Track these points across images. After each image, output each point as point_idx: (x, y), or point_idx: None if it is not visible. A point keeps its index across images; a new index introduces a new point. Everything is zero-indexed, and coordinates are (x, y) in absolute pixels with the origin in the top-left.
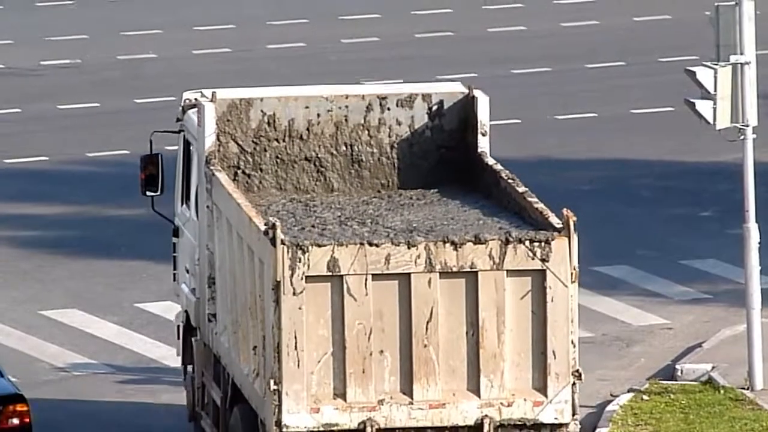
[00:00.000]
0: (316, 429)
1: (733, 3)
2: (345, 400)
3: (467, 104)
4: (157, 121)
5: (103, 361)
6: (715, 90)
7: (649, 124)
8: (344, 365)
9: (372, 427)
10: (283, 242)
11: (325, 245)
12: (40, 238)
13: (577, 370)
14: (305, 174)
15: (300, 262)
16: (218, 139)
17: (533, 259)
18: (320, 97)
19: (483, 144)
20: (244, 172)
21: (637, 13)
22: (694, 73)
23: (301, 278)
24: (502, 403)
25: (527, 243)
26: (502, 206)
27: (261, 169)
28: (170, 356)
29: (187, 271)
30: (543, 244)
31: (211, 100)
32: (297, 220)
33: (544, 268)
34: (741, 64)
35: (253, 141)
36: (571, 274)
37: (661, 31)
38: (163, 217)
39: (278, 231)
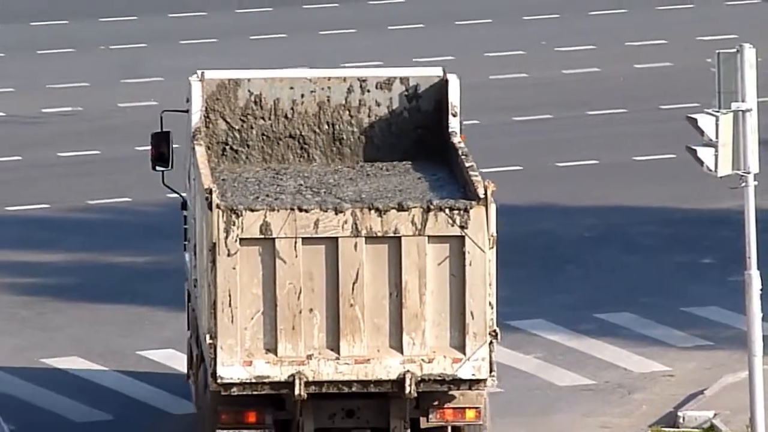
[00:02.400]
0: (248, 381)
1: (735, 50)
2: (276, 354)
3: (442, 87)
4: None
5: (104, 410)
6: (717, 137)
7: (650, 171)
8: (275, 322)
9: (300, 380)
10: (218, 206)
11: (257, 210)
12: (41, 285)
13: (494, 330)
14: (290, 150)
15: (234, 225)
16: (208, 116)
17: (453, 225)
18: (304, 79)
19: (453, 124)
20: (231, 148)
21: (639, 60)
22: (695, 120)
23: (235, 240)
24: (423, 360)
25: (447, 211)
26: (454, 179)
27: (248, 145)
28: (173, 404)
29: (188, 241)
30: (462, 212)
31: (200, 80)
32: (259, 188)
33: (463, 234)
34: (742, 111)
35: (240, 119)
36: (489, 240)
37: (663, 78)
38: (172, 190)
39: (214, 196)
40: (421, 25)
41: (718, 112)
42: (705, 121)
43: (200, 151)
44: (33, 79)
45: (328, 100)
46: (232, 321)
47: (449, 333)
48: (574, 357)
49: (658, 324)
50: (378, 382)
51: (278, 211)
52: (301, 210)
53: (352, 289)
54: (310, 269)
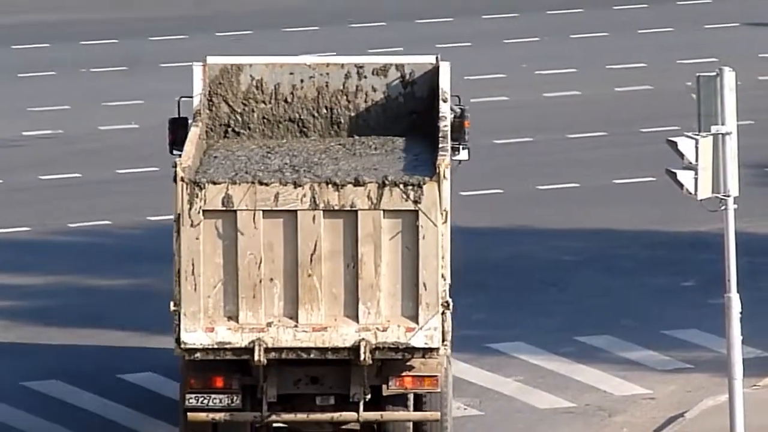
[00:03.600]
0: (210, 346)
1: (714, 73)
2: (237, 321)
3: (435, 74)
4: (138, 192)
5: None
6: (697, 160)
7: (631, 194)
8: (237, 291)
9: (260, 346)
10: (182, 179)
11: (220, 183)
12: (21, 308)
13: (447, 301)
14: (289, 133)
15: (197, 197)
16: (211, 99)
17: (407, 200)
18: (304, 65)
19: (443, 109)
20: (234, 130)
21: (619, 83)
22: (675, 143)
23: (199, 212)
24: (377, 328)
25: (401, 186)
26: (431, 160)
27: (249, 128)
28: (153, 428)
29: None
30: (415, 187)
31: (202, 65)
32: (245, 165)
33: (416, 209)
34: (722, 134)
35: (242, 102)
36: (442, 214)
37: (643, 101)
38: None
39: (178, 169)
40: (400, 48)
41: (698, 135)
42: (685, 144)
43: (194, 131)
44: (14, 103)
45: (327, 86)
46: (195, 289)
47: (403, 303)
48: (555, 380)
49: (639, 347)
50: (335, 349)
51: (240, 184)
52: (261, 183)
53: (311, 260)
54: (271, 240)
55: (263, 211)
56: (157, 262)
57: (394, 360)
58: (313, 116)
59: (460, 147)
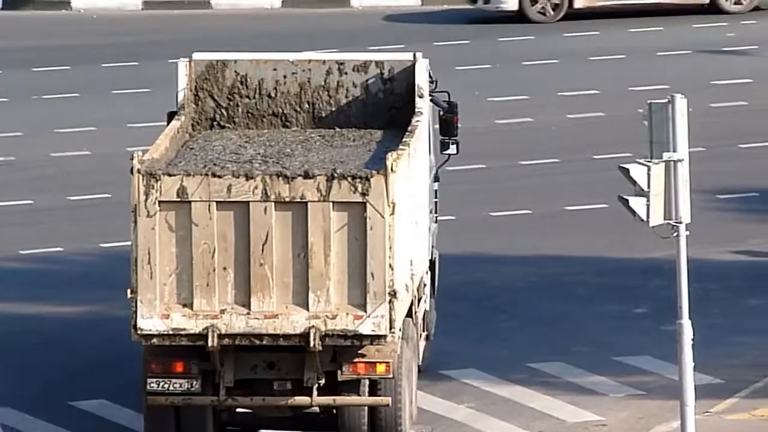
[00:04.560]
0: (166, 332)
1: (666, 100)
2: (192, 308)
3: (413, 71)
4: (90, 219)
5: None
6: (649, 187)
7: (583, 221)
8: (192, 279)
9: (214, 332)
10: (138, 171)
11: (175, 175)
12: None
13: (393, 290)
14: (273, 127)
15: (153, 188)
16: (197, 94)
17: (355, 193)
18: (287, 61)
19: (420, 104)
20: (219, 124)
21: (571, 110)
22: (627, 170)
23: (154, 203)
24: (327, 316)
25: (349, 179)
26: None
27: (234, 122)
28: None
29: None
30: (363, 180)
31: (187, 61)
32: (217, 155)
33: (364, 201)
34: (674, 161)
35: (227, 97)
36: (389, 206)
37: (595, 128)
38: None
39: (135, 161)
40: None
41: (650, 162)
42: (637, 171)
43: (173, 124)
44: None
45: (309, 81)
46: (151, 277)
47: (352, 292)
48: (507, 406)
49: (591, 373)
50: (286, 336)
51: (194, 176)
52: (215, 176)
53: (262, 249)
54: (224, 231)
55: (217, 202)
56: (109, 289)
57: (348, 346)
58: (296, 111)
59: (450, 141)
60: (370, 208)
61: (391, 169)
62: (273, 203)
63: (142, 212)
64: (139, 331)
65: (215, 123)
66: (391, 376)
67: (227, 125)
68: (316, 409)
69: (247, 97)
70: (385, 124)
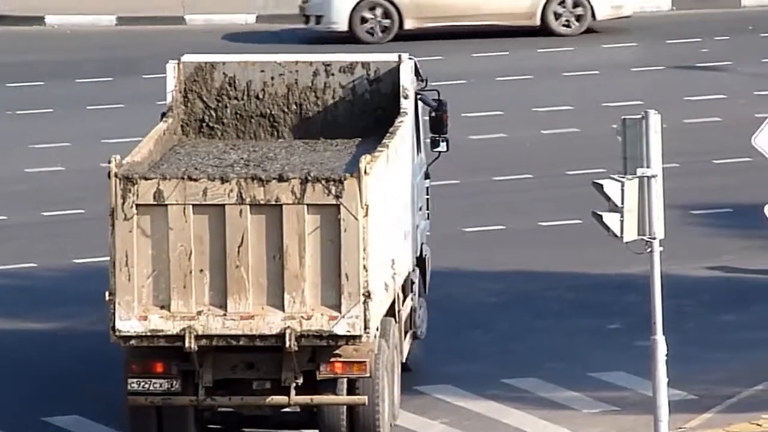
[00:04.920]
0: (144, 334)
1: (640, 116)
2: (169, 310)
3: (398, 72)
4: (64, 235)
5: None
6: (623, 203)
7: (557, 237)
8: (169, 281)
9: (191, 333)
10: (116, 175)
11: (151, 178)
12: None
13: (368, 291)
14: (261, 128)
15: (130, 192)
16: (186, 96)
17: (329, 195)
18: (274, 63)
19: (404, 105)
20: (208, 125)
21: (545, 126)
22: (601, 186)
23: (131, 206)
24: (302, 317)
25: (323, 182)
26: None
27: (223, 123)
28: None
29: None
30: (336, 183)
31: (176, 64)
32: (201, 160)
33: (338, 203)
34: (648, 176)
35: (216, 99)
36: (363, 208)
37: (569, 143)
38: None
39: (112, 165)
40: None
41: (623, 177)
42: (611, 187)
43: (159, 126)
44: None
45: (296, 83)
46: (129, 279)
47: (326, 293)
48: (481, 422)
49: (565, 389)
50: (262, 337)
51: (170, 180)
52: (190, 179)
53: (238, 252)
54: (200, 233)
55: (193, 205)
56: (83, 305)
57: (326, 346)
58: (284, 112)
59: (440, 139)
60: (343, 211)
61: (365, 172)
62: (248, 206)
63: (119, 215)
64: (117, 333)
65: (204, 124)
66: (368, 375)
67: (216, 126)
68: (298, 408)
69: (236, 98)
70: (372, 124)
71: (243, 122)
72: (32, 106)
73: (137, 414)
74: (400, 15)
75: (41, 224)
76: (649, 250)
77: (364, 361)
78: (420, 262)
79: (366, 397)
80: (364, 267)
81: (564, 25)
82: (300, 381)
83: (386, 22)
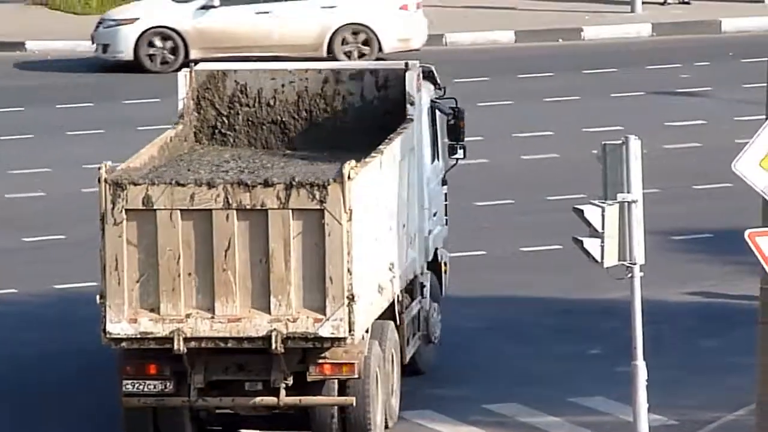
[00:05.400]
0: (134, 336)
1: (620, 142)
2: (158, 313)
3: (404, 79)
4: (45, 260)
5: None
6: (603, 228)
7: (537, 262)
8: (158, 284)
9: (179, 335)
10: (105, 181)
11: (140, 184)
12: None
13: (351, 294)
14: (272, 134)
15: (120, 197)
16: (199, 103)
17: (313, 200)
18: (285, 71)
19: (410, 111)
20: (220, 132)
21: (526, 151)
22: (581, 211)
23: (121, 211)
24: (288, 319)
25: (307, 187)
26: None
27: (235, 129)
28: None
29: None
30: (320, 188)
31: (188, 72)
32: (199, 166)
33: (322, 208)
34: (628, 202)
35: (228, 106)
36: (346, 213)
37: (549, 169)
38: None
39: (102, 171)
40: None
41: (604, 203)
42: (591, 213)
43: (166, 133)
44: None
45: (306, 90)
46: (119, 283)
47: (312, 296)
48: None
49: (546, 414)
50: (249, 339)
51: (158, 185)
52: (178, 184)
53: (225, 256)
54: (188, 238)
55: (181, 210)
56: (64, 330)
57: (317, 348)
58: (294, 118)
59: (457, 146)
60: (327, 215)
61: (348, 177)
62: (235, 211)
63: (109, 220)
64: (108, 335)
65: (216, 131)
66: (357, 376)
67: (228, 133)
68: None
69: (247, 105)
70: (380, 130)
71: (254, 129)
72: (12, 132)
73: (132, 415)
74: (186, 44)
75: (22, 250)
76: (629, 275)
77: (353, 363)
78: (435, 266)
79: (354, 398)
80: (348, 270)
81: (349, 58)
82: (290, 382)
83: (172, 51)
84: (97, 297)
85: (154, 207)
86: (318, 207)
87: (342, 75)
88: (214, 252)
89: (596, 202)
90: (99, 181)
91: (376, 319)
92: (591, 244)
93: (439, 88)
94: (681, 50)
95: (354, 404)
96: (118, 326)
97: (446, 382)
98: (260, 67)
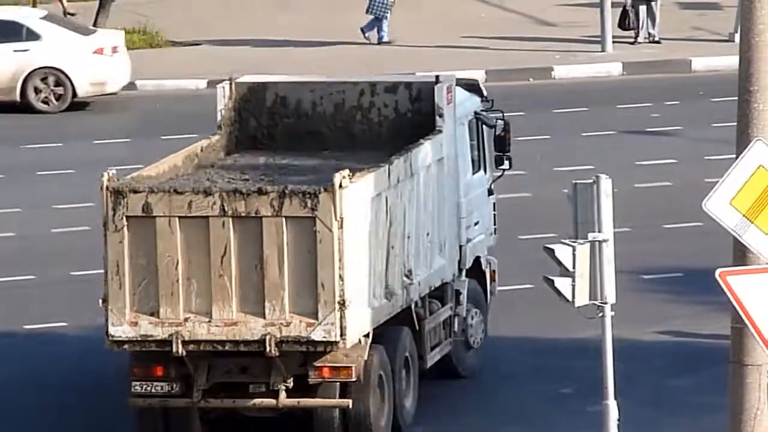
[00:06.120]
0: (135, 339)
1: (591, 181)
2: (158, 317)
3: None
4: (15, 300)
5: None
6: (574, 267)
7: (509, 302)
8: (158, 289)
9: (178, 338)
10: (107, 188)
11: (140, 191)
12: None
13: (343, 300)
14: (310, 145)
15: (120, 204)
16: (240, 114)
17: (305, 208)
18: (323, 83)
19: (439, 123)
20: (261, 142)
21: (498, 191)
22: (552, 250)
23: (122, 218)
24: (282, 324)
25: (300, 195)
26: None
27: (274, 140)
28: None
29: None
30: (312, 196)
31: (229, 84)
32: (228, 173)
33: (314, 215)
34: (599, 241)
35: (268, 117)
36: (337, 221)
37: (521, 208)
38: None
39: (104, 178)
40: None
41: (575, 242)
42: (562, 252)
43: (197, 143)
44: None
45: (343, 102)
46: (120, 287)
47: (304, 301)
48: None
49: None
50: (245, 342)
51: (157, 193)
52: (176, 192)
53: (221, 261)
54: (186, 244)
55: (179, 217)
56: (34, 370)
57: (316, 352)
58: (331, 130)
59: (504, 157)
60: (318, 223)
61: (340, 186)
62: (230, 218)
63: (110, 227)
64: (110, 338)
65: (257, 141)
66: (354, 379)
67: (268, 143)
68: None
69: (287, 117)
70: (412, 140)
71: (293, 140)
72: None
73: (144, 416)
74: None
75: None
76: (600, 314)
77: (351, 366)
78: (478, 274)
79: (350, 401)
80: (340, 276)
81: (43, 102)
82: (290, 384)
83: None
84: (100, 301)
85: (154, 214)
86: (310, 215)
87: (377, 88)
88: (211, 258)
89: (567, 241)
90: (101, 188)
91: (386, 325)
92: (562, 284)
93: (486, 100)
94: (651, 89)
95: (351, 406)
96: (120, 329)
97: (416, 422)
98: (299, 79)
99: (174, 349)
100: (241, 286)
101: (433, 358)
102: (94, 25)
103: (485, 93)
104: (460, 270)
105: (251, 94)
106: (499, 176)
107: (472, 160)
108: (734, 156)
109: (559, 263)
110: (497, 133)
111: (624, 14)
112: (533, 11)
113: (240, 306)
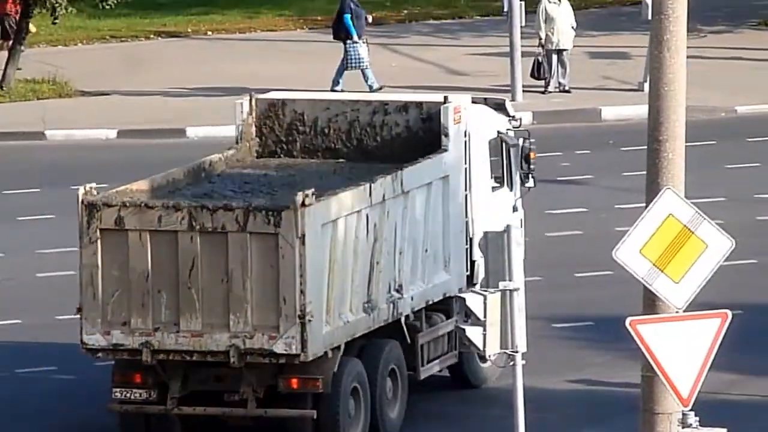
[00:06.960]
0: (107, 347)
1: (502, 230)
2: (129, 326)
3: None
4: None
5: None
6: (485, 316)
7: None
8: (129, 299)
9: (148, 348)
10: (82, 202)
11: (113, 205)
12: None
13: (303, 314)
14: (325, 160)
15: (94, 218)
16: (260, 129)
17: (268, 225)
18: (339, 101)
19: (444, 142)
20: (279, 157)
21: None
22: (463, 299)
23: (96, 230)
24: (245, 336)
25: (264, 212)
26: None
27: (293, 155)
28: None
29: None
30: (275, 213)
31: (249, 100)
32: (232, 182)
33: (276, 232)
34: (510, 290)
35: (286, 132)
36: (298, 238)
37: None
38: None
39: (79, 192)
40: None
41: (486, 291)
42: (473, 301)
43: (208, 157)
44: None
45: (358, 120)
46: (94, 297)
47: (267, 314)
48: None
49: None
50: (211, 353)
51: (129, 207)
52: (147, 207)
53: (189, 274)
54: (156, 257)
55: (149, 231)
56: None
57: (288, 364)
58: (346, 147)
59: (529, 176)
60: (281, 239)
61: (303, 204)
62: (198, 233)
63: (85, 239)
64: (84, 346)
65: (275, 155)
66: (321, 390)
67: (287, 158)
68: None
69: (304, 133)
70: (422, 156)
71: (310, 155)
72: None
73: (126, 420)
74: None
75: None
76: (511, 363)
77: (318, 378)
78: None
79: (314, 412)
80: (301, 291)
81: None
82: (261, 395)
83: None
84: (76, 310)
85: (126, 227)
86: (273, 231)
87: (390, 107)
88: (179, 271)
89: (478, 290)
90: (77, 202)
91: (369, 337)
92: (473, 333)
93: (513, 119)
94: (561, 138)
95: (316, 417)
96: (93, 338)
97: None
98: (317, 97)
99: (143, 358)
100: (208, 299)
101: (428, 370)
102: (3, 74)
103: (512, 112)
104: (474, 284)
105: (271, 110)
106: (525, 193)
107: (496, 178)
108: (644, 205)
109: (470, 312)
110: (522, 153)
111: (537, 64)
112: (444, 60)
113: (206, 318)
